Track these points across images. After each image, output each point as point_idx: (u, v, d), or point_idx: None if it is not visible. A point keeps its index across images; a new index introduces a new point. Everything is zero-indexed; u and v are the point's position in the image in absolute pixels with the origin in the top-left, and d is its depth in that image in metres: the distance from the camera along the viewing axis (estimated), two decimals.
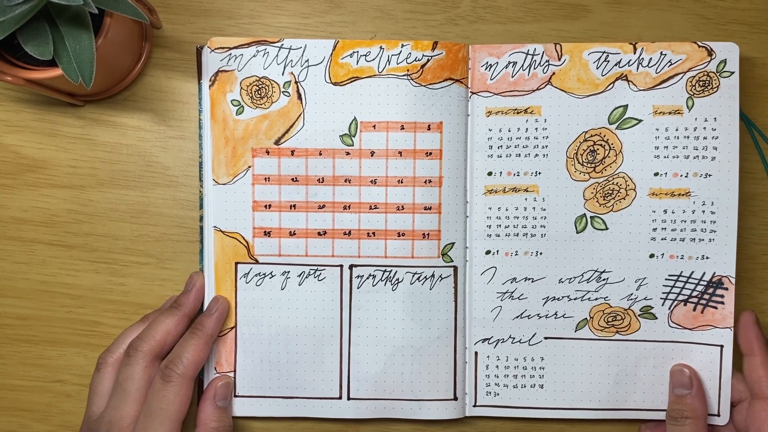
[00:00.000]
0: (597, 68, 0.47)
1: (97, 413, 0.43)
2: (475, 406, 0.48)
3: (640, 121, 0.47)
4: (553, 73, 0.47)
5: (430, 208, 0.47)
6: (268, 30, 0.48)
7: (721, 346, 0.47)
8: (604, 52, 0.47)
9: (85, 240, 0.48)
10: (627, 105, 0.47)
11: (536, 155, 0.47)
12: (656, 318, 0.47)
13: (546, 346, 0.48)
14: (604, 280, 0.48)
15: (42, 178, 0.48)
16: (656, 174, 0.47)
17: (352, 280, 0.47)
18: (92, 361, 0.46)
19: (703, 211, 0.47)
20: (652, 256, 0.47)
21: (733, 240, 0.47)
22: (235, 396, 0.47)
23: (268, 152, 0.47)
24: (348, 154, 0.47)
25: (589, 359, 0.48)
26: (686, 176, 0.47)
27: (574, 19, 0.49)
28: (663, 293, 0.47)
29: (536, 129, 0.47)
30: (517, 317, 0.48)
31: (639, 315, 0.48)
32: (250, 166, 0.47)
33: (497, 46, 0.47)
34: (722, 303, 0.47)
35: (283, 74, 0.47)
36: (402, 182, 0.47)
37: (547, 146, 0.47)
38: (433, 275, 0.47)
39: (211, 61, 0.46)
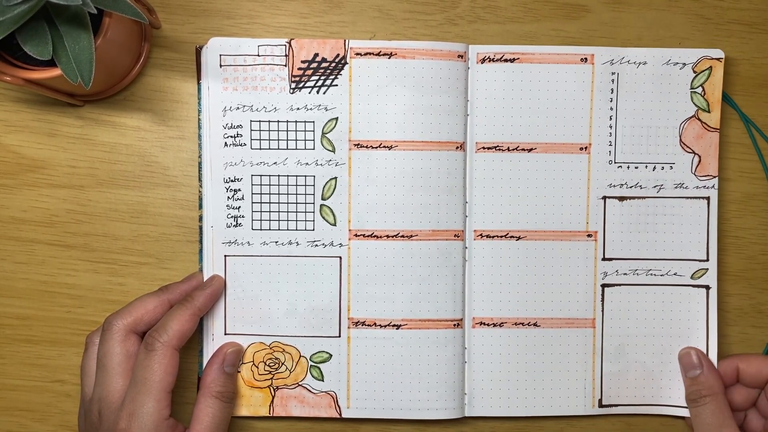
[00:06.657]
0: None
1: (89, 394, 0.43)
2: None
3: None
4: None
5: None
6: (267, 30, 0.48)
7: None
8: None
9: (85, 240, 0.48)
10: None
11: None
12: None
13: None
14: None
15: (41, 178, 0.48)
16: None
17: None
18: None
19: None
20: None
21: None
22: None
23: None
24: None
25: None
26: None
27: (573, 19, 0.49)
28: None
29: None
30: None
31: None
32: None
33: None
34: None
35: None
36: None
37: None
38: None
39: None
